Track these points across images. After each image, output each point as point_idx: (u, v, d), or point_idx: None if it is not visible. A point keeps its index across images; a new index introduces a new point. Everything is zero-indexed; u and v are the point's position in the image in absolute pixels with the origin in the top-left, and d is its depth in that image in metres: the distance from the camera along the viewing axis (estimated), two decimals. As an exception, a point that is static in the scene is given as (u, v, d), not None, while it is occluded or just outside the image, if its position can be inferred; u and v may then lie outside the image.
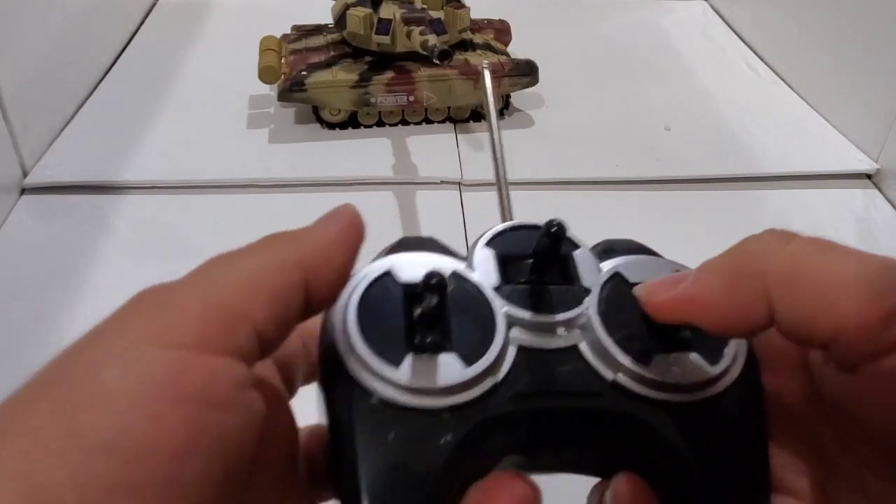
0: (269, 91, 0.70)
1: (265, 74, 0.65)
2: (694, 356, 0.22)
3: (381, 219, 0.57)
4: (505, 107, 0.70)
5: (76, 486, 0.15)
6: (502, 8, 0.77)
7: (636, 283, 0.22)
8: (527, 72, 0.67)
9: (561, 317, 0.22)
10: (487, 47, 0.70)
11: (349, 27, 0.65)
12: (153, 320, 0.17)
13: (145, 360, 0.16)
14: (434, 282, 0.20)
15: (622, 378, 0.21)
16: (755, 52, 0.83)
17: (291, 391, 0.24)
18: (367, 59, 0.66)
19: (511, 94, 0.69)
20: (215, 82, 0.74)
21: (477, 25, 0.73)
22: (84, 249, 0.54)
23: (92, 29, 0.74)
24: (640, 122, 0.70)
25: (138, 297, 0.18)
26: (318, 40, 0.71)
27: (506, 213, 0.29)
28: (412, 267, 0.22)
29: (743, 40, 0.86)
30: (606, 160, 0.64)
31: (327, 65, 0.66)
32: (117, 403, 0.16)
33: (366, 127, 0.68)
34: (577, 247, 0.23)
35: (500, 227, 0.24)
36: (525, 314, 0.22)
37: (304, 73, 0.64)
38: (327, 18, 0.69)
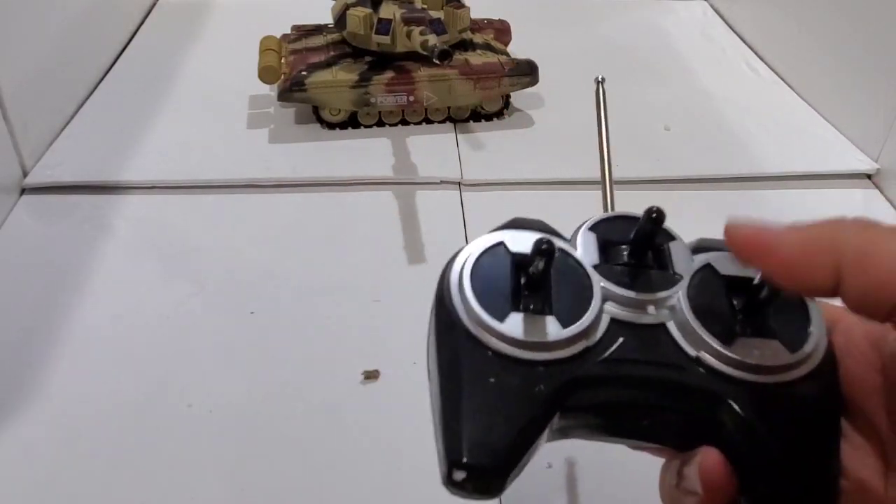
0: (269, 91, 0.70)
1: (265, 74, 0.65)
2: (775, 343, 0.23)
3: (381, 219, 0.57)
4: (505, 107, 0.70)
5: None
6: (502, 8, 0.77)
7: (727, 276, 0.24)
8: (527, 72, 0.67)
9: (653, 296, 0.24)
10: (487, 47, 0.70)
11: (349, 27, 0.65)
12: None
13: None
14: (544, 247, 0.22)
15: (704, 355, 0.23)
16: (755, 52, 0.84)
17: None
18: (367, 59, 0.66)
19: (511, 93, 0.69)
20: (215, 82, 0.74)
21: (477, 25, 0.73)
22: (84, 249, 0.54)
23: (92, 29, 0.74)
24: (639, 122, 0.70)
25: None
26: (318, 40, 0.71)
27: (608, 204, 0.31)
28: (522, 241, 0.25)
29: (743, 40, 0.86)
30: (606, 160, 0.64)
31: (327, 65, 0.66)
32: None
33: (366, 127, 0.68)
34: (672, 238, 0.25)
35: (603, 215, 0.26)
36: (620, 290, 0.24)
37: (304, 73, 0.64)
38: (327, 18, 0.69)
